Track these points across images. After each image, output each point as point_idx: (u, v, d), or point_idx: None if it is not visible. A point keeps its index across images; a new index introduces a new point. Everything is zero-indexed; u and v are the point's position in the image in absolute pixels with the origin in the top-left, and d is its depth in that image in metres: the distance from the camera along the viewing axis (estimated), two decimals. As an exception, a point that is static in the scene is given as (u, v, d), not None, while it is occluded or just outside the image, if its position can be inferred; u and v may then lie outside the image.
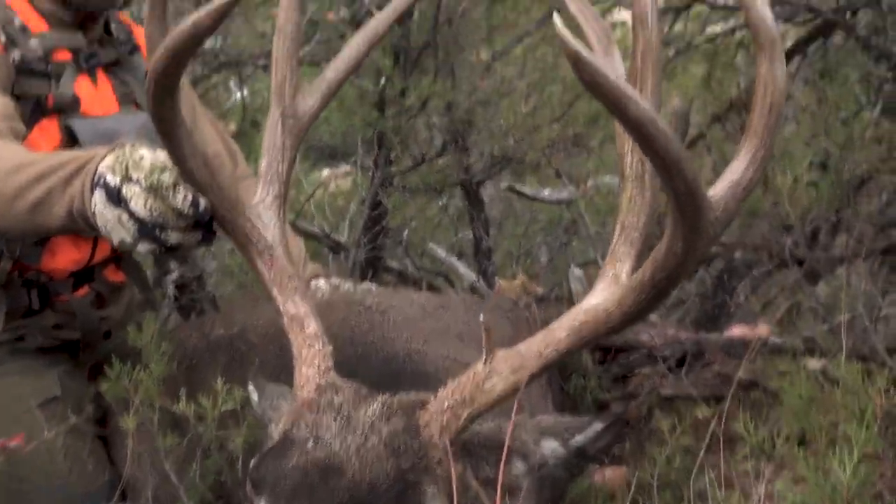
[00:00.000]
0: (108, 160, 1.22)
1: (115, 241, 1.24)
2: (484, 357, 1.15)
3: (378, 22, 1.47)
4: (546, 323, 1.18)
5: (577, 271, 2.56)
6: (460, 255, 3.77)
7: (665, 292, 1.08)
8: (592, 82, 0.80)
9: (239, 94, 4.02)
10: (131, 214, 1.19)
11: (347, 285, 2.28)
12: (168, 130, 1.15)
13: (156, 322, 2.51)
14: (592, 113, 2.48)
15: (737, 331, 2.32)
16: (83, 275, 1.87)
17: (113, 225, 1.21)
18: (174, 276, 3.49)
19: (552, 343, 1.15)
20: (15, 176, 1.31)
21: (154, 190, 1.18)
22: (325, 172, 5.05)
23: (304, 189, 3.58)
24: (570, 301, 2.56)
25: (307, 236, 3.08)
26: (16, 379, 1.80)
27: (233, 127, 3.90)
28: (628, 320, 1.11)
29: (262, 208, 1.27)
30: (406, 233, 3.12)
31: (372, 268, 3.08)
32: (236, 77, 3.93)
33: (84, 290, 1.87)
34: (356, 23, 3.12)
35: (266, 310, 2.37)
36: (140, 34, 1.96)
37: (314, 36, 2.94)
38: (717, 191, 1.02)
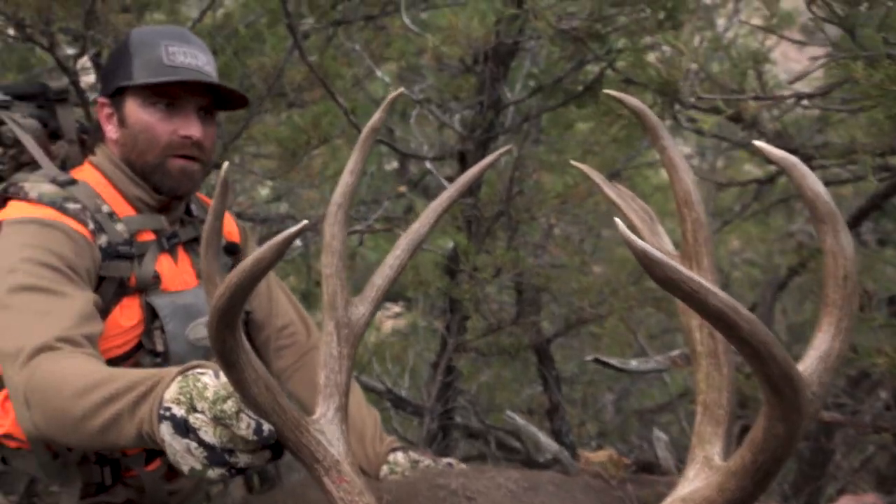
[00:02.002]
0: (173, 390, 1.24)
1: (186, 469, 1.23)
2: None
3: (419, 225, 1.51)
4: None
5: (661, 436, 2.44)
6: (529, 412, 3.69)
7: (772, 474, 1.01)
8: (665, 278, 0.80)
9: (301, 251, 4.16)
10: (200, 442, 1.21)
11: (427, 462, 2.21)
12: (230, 360, 1.16)
13: (227, 496, 2.47)
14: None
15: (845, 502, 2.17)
16: (155, 448, 1.87)
17: (182, 454, 1.22)
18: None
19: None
20: (83, 398, 1.33)
21: (219, 419, 1.20)
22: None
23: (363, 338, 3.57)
24: (660, 471, 2.43)
25: (367, 389, 3.05)
26: None
27: (292, 280, 4.04)
28: (733, 508, 1.04)
29: (324, 423, 1.27)
30: (476, 391, 3.08)
31: (442, 430, 3.02)
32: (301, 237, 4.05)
33: (155, 464, 1.83)
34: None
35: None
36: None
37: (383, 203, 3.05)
38: (808, 365, 1.00)
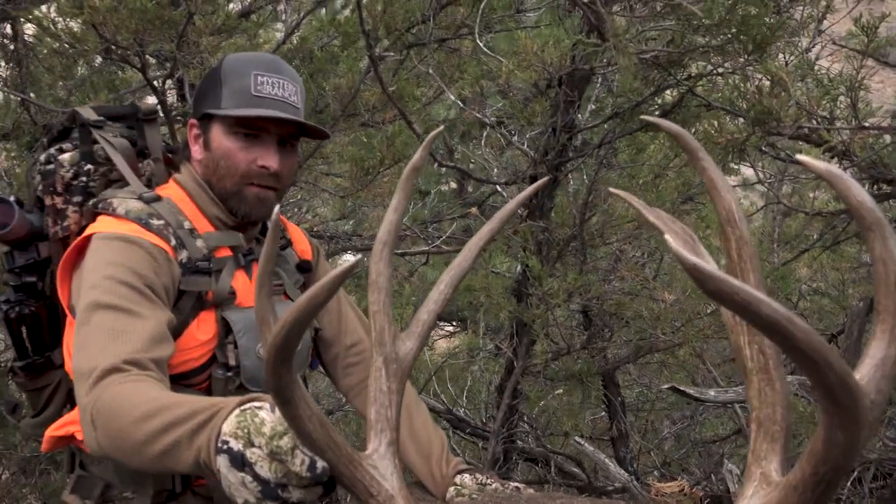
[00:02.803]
0: (232, 424, 1.27)
1: (240, 501, 1.26)
2: None
3: (462, 259, 1.53)
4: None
5: (732, 468, 2.39)
6: (591, 438, 3.64)
7: (833, 486, 0.99)
8: (717, 291, 0.81)
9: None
10: (255, 476, 1.23)
11: (494, 485, 2.18)
12: (285, 396, 1.17)
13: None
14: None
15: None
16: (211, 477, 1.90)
17: (237, 487, 1.25)
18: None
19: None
20: (145, 424, 1.37)
21: (275, 455, 1.23)
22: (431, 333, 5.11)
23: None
24: (730, 502, 2.37)
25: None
26: None
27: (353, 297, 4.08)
28: (796, 522, 1.01)
29: (377, 458, 1.29)
30: (536, 415, 3.04)
31: (504, 454, 2.99)
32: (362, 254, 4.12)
33: None
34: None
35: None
36: (292, 230, 2.09)
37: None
38: (865, 374, 0.98)
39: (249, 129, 1.79)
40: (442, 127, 1.59)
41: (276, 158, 1.81)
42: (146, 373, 1.54)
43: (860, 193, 1.04)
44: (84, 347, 1.57)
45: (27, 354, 1.95)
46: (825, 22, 2.57)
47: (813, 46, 2.49)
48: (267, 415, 1.27)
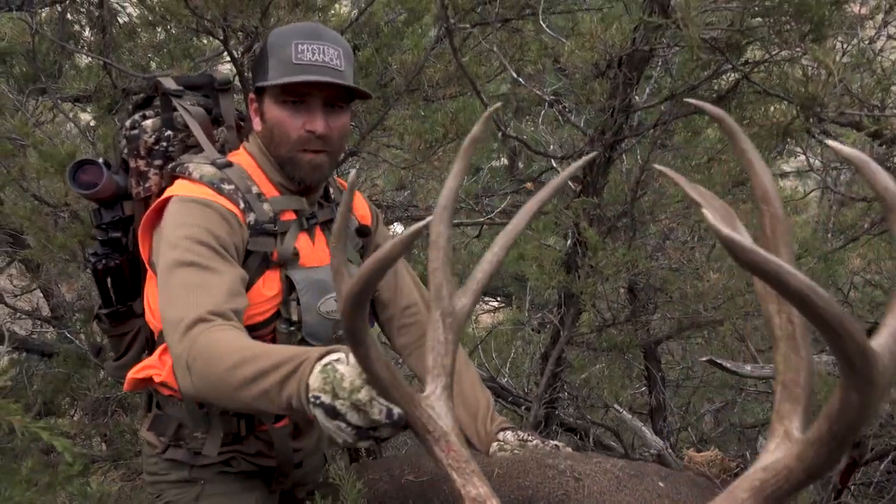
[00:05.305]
0: (319, 380, 1.39)
1: (339, 441, 1.40)
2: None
3: (513, 226, 1.61)
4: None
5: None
6: (630, 411, 3.71)
7: (845, 443, 1.06)
8: (750, 261, 0.88)
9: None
10: (348, 423, 1.37)
11: (535, 441, 2.29)
12: (359, 339, 1.27)
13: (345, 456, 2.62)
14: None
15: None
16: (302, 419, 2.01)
17: (335, 432, 1.39)
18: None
19: (736, 505, 1.15)
20: (237, 371, 1.50)
21: (356, 406, 1.37)
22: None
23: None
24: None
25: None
26: (221, 500, 1.97)
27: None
28: (811, 475, 1.09)
29: (433, 399, 1.39)
30: (578, 386, 3.14)
31: (545, 419, 3.10)
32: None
33: (284, 422, 2.02)
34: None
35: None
36: (354, 196, 2.21)
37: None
38: (881, 342, 1.04)
39: (294, 97, 1.86)
40: (499, 103, 1.67)
41: (321, 122, 1.86)
42: (230, 323, 1.65)
43: (885, 179, 1.12)
44: (170, 301, 1.69)
45: (111, 303, 2.10)
46: (894, 13, 2.56)
47: (878, 38, 2.48)
48: (345, 368, 1.39)
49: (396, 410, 1.36)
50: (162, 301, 1.72)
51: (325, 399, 1.38)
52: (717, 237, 0.90)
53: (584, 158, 1.68)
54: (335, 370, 1.39)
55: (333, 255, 1.37)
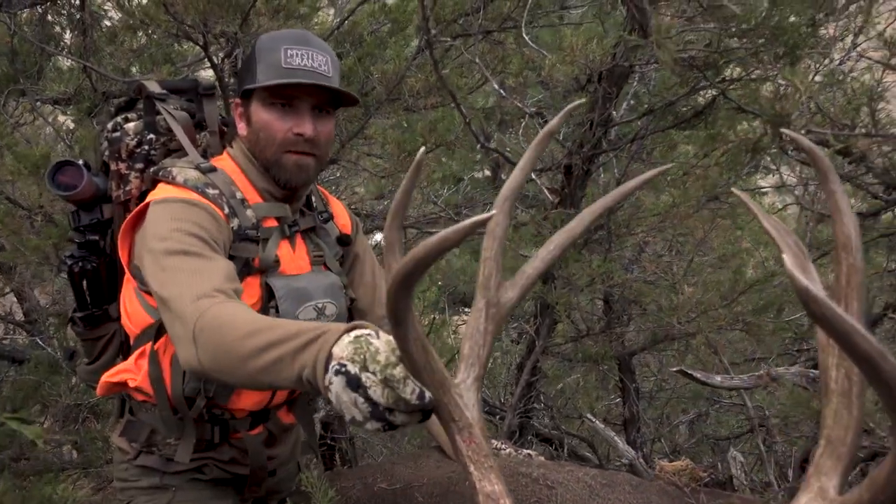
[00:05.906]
0: (347, 349, 1.34)
1: (347, 417, 1.34)
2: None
3: (574, 226, 1.61)
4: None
5: (737, 455, 2.48)
6: (605, 422, 3.74)
7: None
8: (821, 316, 0.85)
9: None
10: (367, 399, 1.30)
11: (509, 450, 2.30)
12: (400, 317, 1.25)
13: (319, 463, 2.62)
14: (760, 305, 2.49)
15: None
16: (260, 415, 2.01)
17: (348, 405, 1.32)
18: (321, 414, 3.65)
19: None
20: (249, 340, 1.45)
21: (388, 381, 1.30)
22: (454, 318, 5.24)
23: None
24: (731, 487, 2.47)
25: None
26: None
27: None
28: (840, 539, 1.08)
29: (463, 388, 1.36)
30: (553, 396, 3.15)
31: (519, 429, 3.11)
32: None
33: (258, 429, 2.01)
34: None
35: (429, 468, 2.45)
36: (334, 204, 2.18)
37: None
38: None
39: (283, 100, 1.86)
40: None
41: (310, 125, 1.86)
42: (235, 300, 1.61)
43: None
44: (169, 280, 1.65)
45: (87, 306, 2.06)
46: (862, 37, 2.63)
47: (847, 60, 2.54)
48: (379, 343, 1.33)
49: (429, 394, 1.31)
50: (157, 283, 1.68)
51: (352, 368, 1.32)
52: (793, 286, 0.85)
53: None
54: (369, 343, 1.34)
55: (387, 230, 1.31)
